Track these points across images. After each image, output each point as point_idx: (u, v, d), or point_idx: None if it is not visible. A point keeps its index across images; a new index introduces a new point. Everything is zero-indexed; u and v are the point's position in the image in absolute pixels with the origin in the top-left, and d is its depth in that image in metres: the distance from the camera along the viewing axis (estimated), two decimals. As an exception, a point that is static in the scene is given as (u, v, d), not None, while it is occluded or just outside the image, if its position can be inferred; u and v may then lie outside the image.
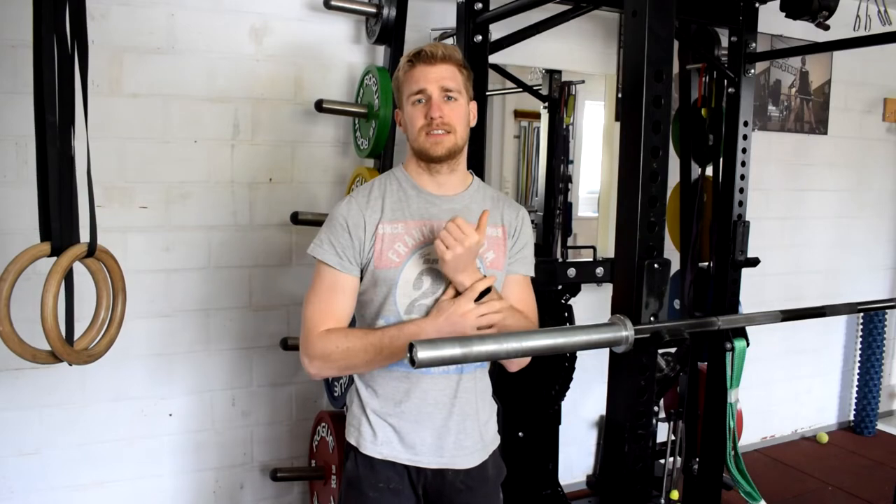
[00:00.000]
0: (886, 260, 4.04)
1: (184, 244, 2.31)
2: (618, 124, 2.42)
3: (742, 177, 2.58)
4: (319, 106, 2.23)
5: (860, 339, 3.95)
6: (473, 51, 2.11)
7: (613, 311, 1.34)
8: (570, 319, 2.54)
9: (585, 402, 3.08)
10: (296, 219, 2.23)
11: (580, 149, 2.99)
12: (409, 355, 1.02)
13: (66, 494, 2.24)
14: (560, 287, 2.47)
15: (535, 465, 2.61)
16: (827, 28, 2.39)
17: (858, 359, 3.95)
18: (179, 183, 2.28)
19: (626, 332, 1.22)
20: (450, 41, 2.43)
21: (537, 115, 2.91)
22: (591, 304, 2.76)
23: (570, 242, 3.00)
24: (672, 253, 2.54)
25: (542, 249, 2.83)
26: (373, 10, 2.30)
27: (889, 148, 3.92)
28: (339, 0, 2.27)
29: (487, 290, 1.35)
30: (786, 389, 3.78)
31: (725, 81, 2.62)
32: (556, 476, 2.68)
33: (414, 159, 1.45)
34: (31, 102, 1.46)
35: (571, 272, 1.93)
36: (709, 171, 2.73)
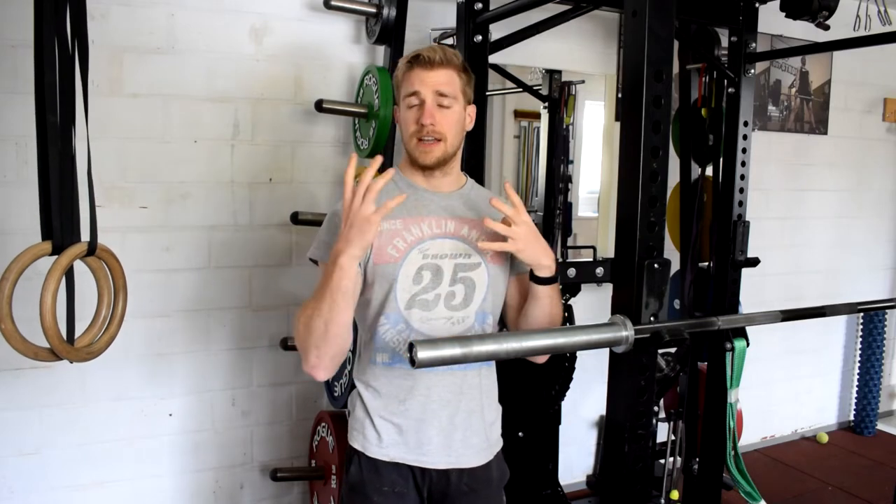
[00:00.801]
0: (886, 260, 4.04)
1: (184, 244, 2.31)
2: (618, 124, 2.42)
3: (742, 177, 2.58)
4: (319, 106, 2.24)
5: (860, 339, 3.95)
6: (473, 51, 2.12)
7: (613, 311, 1.34)
8: (570, 319, 2.54)
9: (585, 402, 3.08)
10: (296, 219, 2.23)
11: (580, 149, 2.99)
12: (408, 356, 1.03)
13: (66, 494, 2.24)
14: (560, 287, 2.46)
15: (535, 465, 2.61)
16: (827, 28, 2.39)
17: (858, 359, 3.95)
18: (179, 183, 2.28)
19: (626, 332, 1.22)
20: (450, 41, 2.43)
21: (537, 115, 2.90)
22: (591, 304, 2.76)
23: (570, 242, 3.00)
24: (672, 253, 2.54)
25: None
26: (373, 10, 2.30)
27: (889, 148, 3.92)
28: (339, 0, 2.27)
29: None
30: (786, 389, 3.78)
31: (725, 81, 2.62)
32: (556, 476, 2.68)
33: (409, 160, 1.46)
34: (32, 102, 1.47)
35: (571, 272, 1.94)
36: (709, 171, 2.73)
